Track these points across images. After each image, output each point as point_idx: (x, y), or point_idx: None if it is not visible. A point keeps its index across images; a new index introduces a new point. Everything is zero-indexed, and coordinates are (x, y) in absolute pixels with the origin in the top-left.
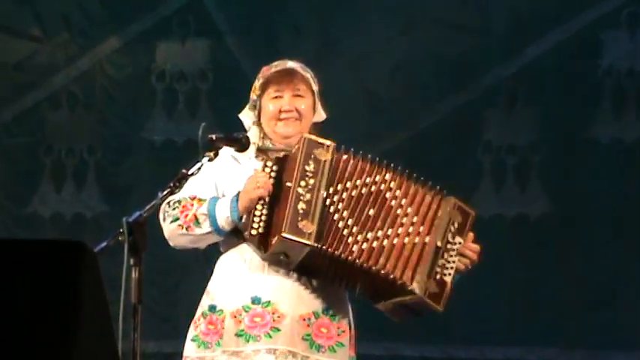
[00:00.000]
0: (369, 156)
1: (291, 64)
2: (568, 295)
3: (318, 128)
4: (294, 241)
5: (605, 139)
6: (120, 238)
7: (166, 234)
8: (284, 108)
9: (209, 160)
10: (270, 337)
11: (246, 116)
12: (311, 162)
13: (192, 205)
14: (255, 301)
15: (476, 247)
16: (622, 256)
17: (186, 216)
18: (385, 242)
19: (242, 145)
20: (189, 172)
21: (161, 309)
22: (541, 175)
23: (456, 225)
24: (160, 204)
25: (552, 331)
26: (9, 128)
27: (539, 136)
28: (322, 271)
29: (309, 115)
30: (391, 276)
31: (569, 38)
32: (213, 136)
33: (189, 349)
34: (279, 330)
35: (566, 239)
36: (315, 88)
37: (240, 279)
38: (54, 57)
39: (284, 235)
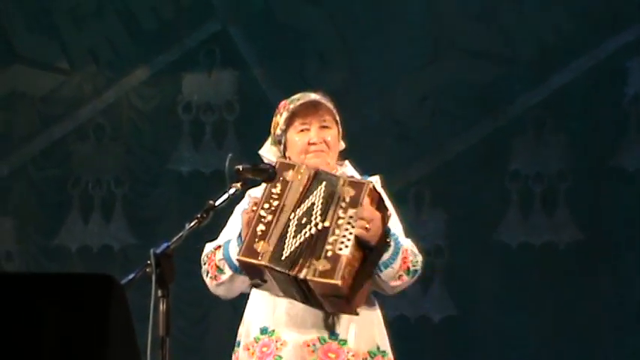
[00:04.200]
0: (335, 172)
1: (313, 95)
2: (598, 323)
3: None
4: (246, 262)
5: (632, 167)
6: (147, 270)
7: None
8: (312, 140)
9: (236, 191)
10: None
11: (269, 152)
12: (278, 184)
13: (215, 254)
14: (264, 331)
15: (368, 209)
16: None
17: (212, 267)
18: (296, 244)
19: (269, 175)
20: (216, 203)
21: (189, 340)
22: (569, 203)
23: (347, 200)
24: (187, 235)
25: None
26: (37, 161)
27: (566, 164)
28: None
29: (336, 146)
30: (290, 273)
31: (594, 66)
32: (240, 167)
33: None
34: (281, 357)
35: (594, 267)
36: (338, 117)
37: (253, 311)
38: (81, 89)
39: (237, 257)
